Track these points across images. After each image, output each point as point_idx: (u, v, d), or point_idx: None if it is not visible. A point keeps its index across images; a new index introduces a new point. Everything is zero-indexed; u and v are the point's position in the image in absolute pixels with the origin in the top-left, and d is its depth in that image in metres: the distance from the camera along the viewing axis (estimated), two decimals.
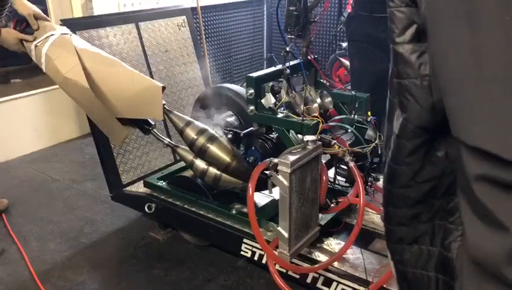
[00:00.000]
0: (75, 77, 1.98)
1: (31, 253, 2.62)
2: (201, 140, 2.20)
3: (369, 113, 2.22)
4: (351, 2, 4.53)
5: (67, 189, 3.41)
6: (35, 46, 2.06)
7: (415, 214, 0.80)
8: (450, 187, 0.76)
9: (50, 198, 3.28)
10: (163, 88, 2.16)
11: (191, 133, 2.22)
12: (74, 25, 2.49)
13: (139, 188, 2.72)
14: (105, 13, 3.83)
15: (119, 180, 2.74)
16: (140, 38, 2.95)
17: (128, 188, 2.74)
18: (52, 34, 2.08)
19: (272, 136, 2.10)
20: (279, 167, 1.71)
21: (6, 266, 2.53)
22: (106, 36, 2.77)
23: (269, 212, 2.17)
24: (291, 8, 2.08)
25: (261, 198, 2.38)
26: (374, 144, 2.10)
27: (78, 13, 4.10)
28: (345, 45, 4.91)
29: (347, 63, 4.79)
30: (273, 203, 2.24)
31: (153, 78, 2.97)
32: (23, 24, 2.11)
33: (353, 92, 2.27)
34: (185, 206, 2.42)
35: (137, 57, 2.93)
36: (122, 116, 2.11)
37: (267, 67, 2.60)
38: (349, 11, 4.43)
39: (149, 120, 2.30)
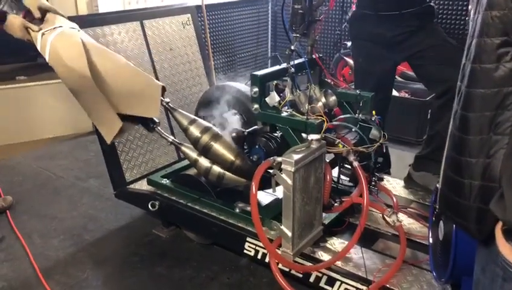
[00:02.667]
0: (78, 65, 1.98)
1: (35, 249, 2.63)
2: (205, 138, 2.20)
3: (373, 112, 2.21)
4: (356, 0, 4.52)
5: (71, 186, 3.42)
6: (42, 34, 2.07)
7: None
8: (504, 100, 0.91)
9: (54, 195, 3.29)
10: (164, 88, 2.17)
11: (195, 131, 2.23)
12: (79, 22, 2.48)
13: (143, 185, 2.72)
14: (110, 11, 3.84)
15: (123, 178, 2.74)
16: (145, 36, 2.95)
17: (131, 186, 2.75)
18: (61, 26, 2.09)
19: (275, 135, 2.10)
20: (283, 166, 1.71)
21: (10, 262, 2.54)
22: (111, 34, 2.77)
23: (272, 211, 2.17)
24: (296, 6, 2.07)
25: (265, 197, 2.38)
26: (378, 143, 2.09)
27: (83, 11, 4.11)
28: (349, 44, 4.90)
29: (352, 62, 4.78)
30: (277, 202, 2.23)
31: (157, 76, 2.98)
32: (33, 15, 2.14)
33: (357, 91, 2.26)
34: (189, 204, 2.42)
35: (141, 54, 2.93)
36: (119, 111, 2.10)
37: (271, 66, 2.59)
38: (354, 9, 4.42)
39: (153, 118, 2.31)
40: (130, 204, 2.83)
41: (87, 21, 2.79)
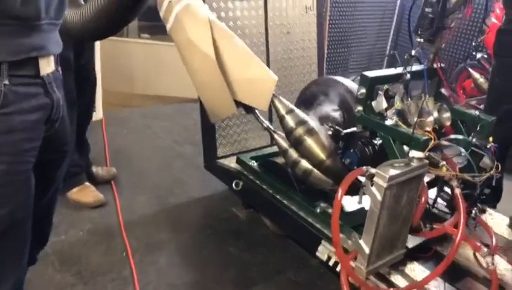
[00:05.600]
0: (202, 43, 1.96)
1: (123, 201, 2.79)
2: (300, 131, 2.12)
3: (490, 139, 1.98)
4: (496, 13, 4.08)
5: (167, 148, 3.57)
6: (169, 1, 2.08)
7: None
8: None
9: (150, 152, 3.47)
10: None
11: (290, 121, 2.15)
12: None
13: (231, 163, 2.73)
14: None
15: (215, 152, 2.78)
16: (266, 16, 2.89)
17: (221, 161, 2.78)
18: None
19: (375, 142, 1.96)
20: (375, 178, 1.58)
21: (100, 207, 2.72)
22: (234, 10, 2.75)
23: (355, 220, 2.05)
24: (426, 10, 1.89)
25: (350, 203, 2.26)
26: (488, 174, 1.87)
27: None
28: (479, 55, 4.48)
29: (476, 75, 4.37)
30: (362, 212, 2.11)
31: (268, 58, 2.93)
32: None
33: (476, 112, 2.03)
34: (270, 191, 2.39)
35: (258, 35, 2.89)
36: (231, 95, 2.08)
37: (387, 65, 2.41)
38: (492, 19, 4.00)
39: None
40: (216, 177, 2.88)
41: None
